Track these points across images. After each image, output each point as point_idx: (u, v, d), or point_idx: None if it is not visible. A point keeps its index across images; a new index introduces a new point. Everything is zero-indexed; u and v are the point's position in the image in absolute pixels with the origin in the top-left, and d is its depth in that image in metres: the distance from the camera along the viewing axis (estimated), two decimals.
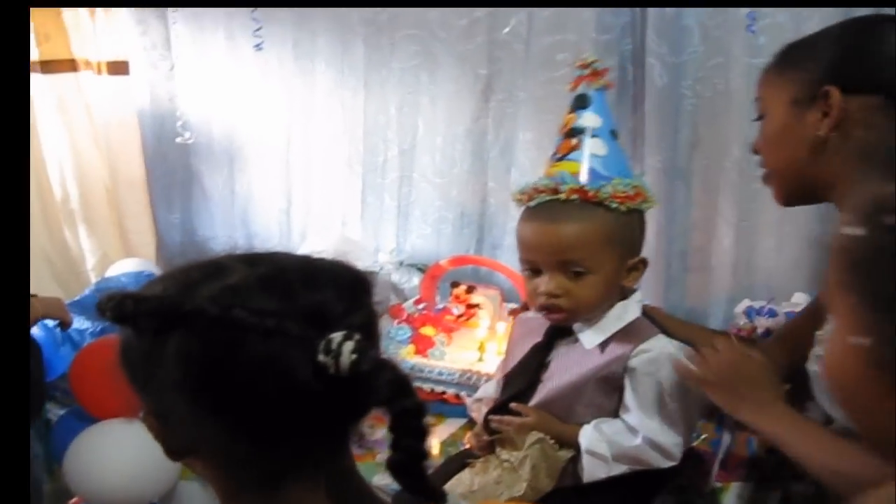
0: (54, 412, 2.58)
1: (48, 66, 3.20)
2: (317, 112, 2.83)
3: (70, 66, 3.22)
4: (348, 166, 2.83)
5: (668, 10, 2.24)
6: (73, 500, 2.73)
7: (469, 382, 2.17)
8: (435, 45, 2.58)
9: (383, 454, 1.77)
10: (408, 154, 2.73)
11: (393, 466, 0.63)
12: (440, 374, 2.21)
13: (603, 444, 1.43)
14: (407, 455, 0.63)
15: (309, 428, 0.66)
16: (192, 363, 0.64)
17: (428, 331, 2.32)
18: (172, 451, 0.72)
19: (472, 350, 2.27)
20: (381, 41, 2.65)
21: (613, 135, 1.52)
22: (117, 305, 0.65)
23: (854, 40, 1.27)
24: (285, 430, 0.66)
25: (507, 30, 2.48)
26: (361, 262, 2.73)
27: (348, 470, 0.76)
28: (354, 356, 0.60)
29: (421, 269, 2.63)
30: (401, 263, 2.72)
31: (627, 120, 2.34)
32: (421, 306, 2.43)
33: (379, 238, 2.83)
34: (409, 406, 0.63)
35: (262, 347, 0.62)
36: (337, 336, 0.61)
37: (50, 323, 2.55)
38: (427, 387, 2.20)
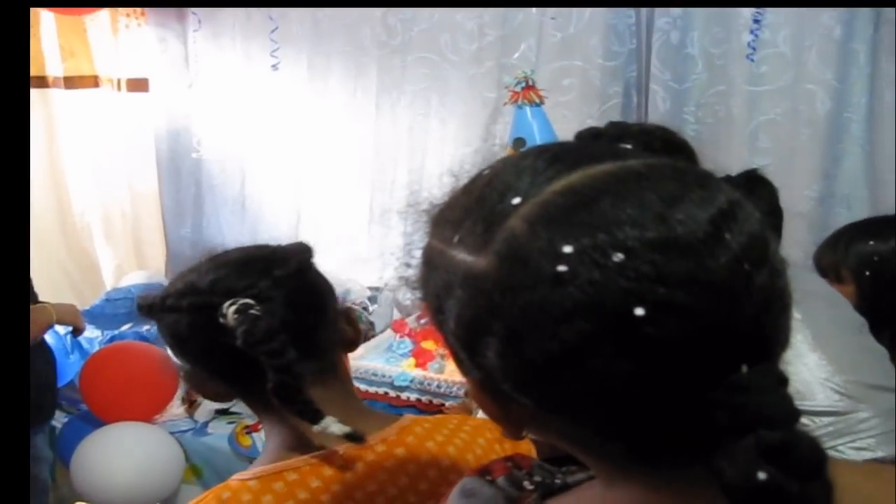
0: (59, 419, 2.60)
1: (71, 82, 3.29)
2: (329, 132, 2.89)
3: (93, 82, 3.31)
4: (357, 185, 2.88)
5: (672, 38, 2.31)
6: None
7: (466, 395, 2.19)
8: (446, 68, 2.65)
9: None
10: (416, 173, 2.79)
11: (273, 393, 0.82)
12: (439, 386, 2.23)
13: None
14: (276, 385, 0.81)
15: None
16: (174, 336, 0.93)
17: (429, 345, 2.36)
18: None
19: None
20: (393, 63, 2.72)
21: None
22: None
23: None
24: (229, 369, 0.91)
25: (516, 55, 2.54)
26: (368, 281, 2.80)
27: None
28: (236, 316, 0.83)
29: None
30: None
31: None
32: (423, 321, 2.47)
33: (385, 255, 2.87)
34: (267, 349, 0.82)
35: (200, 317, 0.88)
36: (227, 302, 0.84)
37: (62, 330, 2.58)
38: (425, 398, 2.24)
